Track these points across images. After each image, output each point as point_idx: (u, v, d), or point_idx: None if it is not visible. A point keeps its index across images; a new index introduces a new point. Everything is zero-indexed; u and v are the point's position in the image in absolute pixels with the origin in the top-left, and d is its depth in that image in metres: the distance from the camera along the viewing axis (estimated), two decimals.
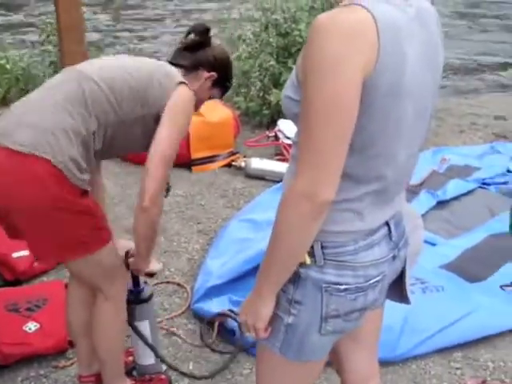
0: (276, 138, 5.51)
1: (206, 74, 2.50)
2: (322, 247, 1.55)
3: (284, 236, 1.45)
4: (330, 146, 1.37)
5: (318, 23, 1.37)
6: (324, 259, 1.56)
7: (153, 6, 13.83)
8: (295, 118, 1.48)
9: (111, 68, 2.37)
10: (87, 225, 2.26)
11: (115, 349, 2.59)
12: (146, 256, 2.48)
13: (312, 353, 1.67)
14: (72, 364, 2.99)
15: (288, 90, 1.52)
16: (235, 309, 3.25)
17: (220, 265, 3.53)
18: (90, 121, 2.22)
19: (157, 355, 2.76)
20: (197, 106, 2.51)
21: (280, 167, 5.12)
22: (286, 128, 5.41)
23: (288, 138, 5.30)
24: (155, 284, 3.56)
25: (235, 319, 3.11)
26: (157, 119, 2.31)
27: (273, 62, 6.07)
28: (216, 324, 3.17)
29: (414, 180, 4.86)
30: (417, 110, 1.53)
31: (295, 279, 1.57)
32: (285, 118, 5.81)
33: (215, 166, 5.28)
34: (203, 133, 5.12)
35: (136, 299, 2.67)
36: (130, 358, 2.90)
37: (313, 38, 1.37)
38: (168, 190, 2.60)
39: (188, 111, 2.37)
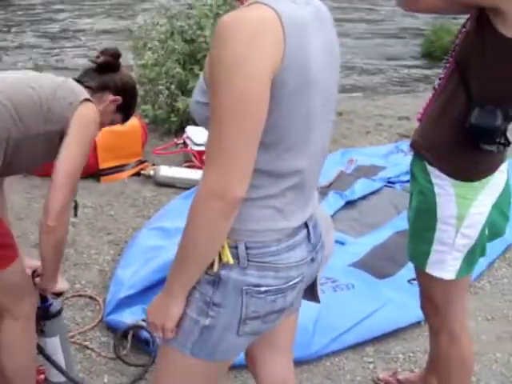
0: (185, 144, 5.50)
1: (111, 97, 2.48)
2: (247, 248, 1.55)
3: (195, 235, 1.45)
4: (239, 144, 1.38)
5: (222, 24, 1.38)
6: (248, 260, 1.55)
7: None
8: (206, 122, 1.48)
9: (13, 81, 2.30)
10: None
11: (25, 368, 2.51)
12: (53, 276, 2.43)
13: (226, 353, 1.66)
14: None
15: (197, 95, 1.53)
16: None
17: (131, 274, 3.48)
18: None
19: (67, 377, 2.70)
20: (101, 125, 2.47)
21: (189, 174, 5.12)
22: (195, 135, 5.41)
23: (197, 144, 5.30)
24: (66, 298, 3.47)
25: (148, 330, 3.08)
26: (61, 135, 2.26)
27: (179, 69, 6.06)
28: (130, 335, 3.12)
29: (323, 181, 4.96)
30: (324, 103, 1.55)
31: (215, 281, 1.56)
32: (194, 124, 5.85)
33: (124, 175, 5.22)
34: (110, 142, 5.04)
35: (44, 315, 2.59)
36: (42, 376, 2.82)
37: (217, 39, 1.38)
38: (76, 207, 2.55)
39: (93, 127, 2.33)
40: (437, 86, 2.18)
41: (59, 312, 2.64)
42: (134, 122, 5.36)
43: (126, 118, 2.64)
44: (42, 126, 2.25)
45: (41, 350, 2.60)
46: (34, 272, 2.50)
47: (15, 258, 2.29)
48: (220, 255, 1.54)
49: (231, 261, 1.54)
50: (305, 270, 1.67)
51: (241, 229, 1.54)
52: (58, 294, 2.62)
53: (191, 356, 1.64)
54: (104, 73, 2.50)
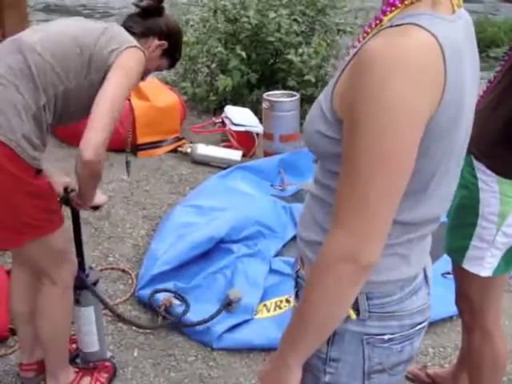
0: (223, 124, 5.49)
1: (156, 42, 2.45)
2: (367, 299, 1.34)
3: (319, 304, 1.25)
4: (382, 201, 1.16)
5: (373, 55, 1.12)
6: (368, 312, 1.35)
7: None
8: (331, 159, 1.28)
9: (55, 35, 2.26)
10: (42, 208, 2.22)
11: (60, 335, 2.55)
12: (91, 197, 2.41)
13: None
14: (13, 352, 2.93)
15: (317, 124, 1.28)
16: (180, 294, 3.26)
17: (165, 250, 3.51)
18: (39, 95, 2.15)
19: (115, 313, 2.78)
20: (144, 75, 2.43)
21: (226, 154, 5.12)
22: (234, 115, 5.40)
23: (235, 124, 5.29)
24: (99, 270, 3.51)
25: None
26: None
27: (221, 48, 6.04)
28: (161, 310, 3.14)
29: None
30: (465, 139, 1.33)
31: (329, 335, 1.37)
32: (233, 104, 5.85)
33: (161, 151, 5.23)
34: (150, 118, 5.06)
35: (81, 284, 2.62)
36: (74, 346, 2.86)
37: (368, 74, 1.12)
38: (128, 165, 2.51)
39: (138, 68, 2.27)
40: (492, 79, 2.14)
41: (96, 282, 2.66)
42: (173, 98, 5.38)
43: (172, 64, 2.59)
44: (86, 76, 2.23)
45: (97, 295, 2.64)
46: (66, 188, 2.49)
47: (61, 224, 2.33)
48: None
49: (354, 316, 1.34)
50: (429, 313, 1.47)
51: None
52: (96, 208, 2.60)
53: None
54: (148, 17, 2.44)
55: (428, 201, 1.29)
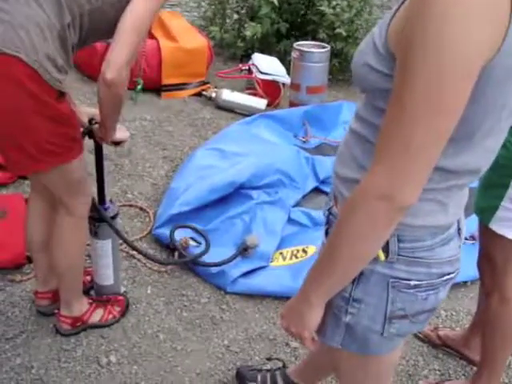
0: (249, 71, 5.41)
1: None
2: (399, 241, 1.32)
3: (349, 243, 1.22)
4: (427, 142, 1.11)
5: None
6: (398, 255, 1.33)
7: None
8: (377, 94, 1.24)
9: None
10: (62, 134, 2.16)
11: (75, 265, 2.55)
12: (112, 126, 2.37)
13: (377, 350, 1.48)
14: (28, 279, 2.94)
15: (367, 56, 1.23)
16: (196, 237, 3.25)
17: (184, 190, 3.48)
18: (64, 13, 2.05)
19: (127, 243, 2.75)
20: None
21: (251, 101, 5.07)
22: (261, 63, 5.32)
23: (262, 72, 5.22)
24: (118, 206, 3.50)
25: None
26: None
27: None
28: (179, 248, 3.14)
29: None
30: None
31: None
32: (260, 52, 5.76)
33: (185, 93, 5.18)
34: (176, 59, 5.00)
35: (100, 217, 2.61)
36: (88, 278, 2.87)
37: (428, 4, 1.05)
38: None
39: None
40: None
41: (115, 216, 2.65)
42: (202, 41, 5.30)
43: None
44: None
45: (116, 230, 2.62)
46: (90, 120, 2.46)
47: (80, 154, 2.28)
48: None
49: (383, 257, 1.31)
50: (458, 266, 1.44)
51: None
52: (117, 143, 2.57)
53: (343, 349, 1.49)
54: None
55: (472, 150, 1.25)
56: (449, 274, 1.39)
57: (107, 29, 2.22)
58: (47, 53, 2.01)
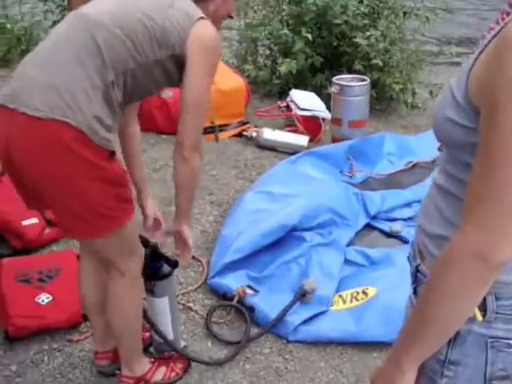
0: (288, 108, 5.36)
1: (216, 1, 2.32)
2: (496, 299, 1.24)
3: (442, 304, 1.18)
4: None
5: None
6: (495, 313, 1.25)
7: None
8: (462, 148, 1.20)
9: (122, 9, 2.14)
10: (115, 196, 2.13)
11: (132, 326, 2.48)
12: (187, 209, 2.40)
13: None
14: (86, 338, 2.89)
15: (447, 110, 1.20)
16: (253, 285, 3.17)
17: (236, 236, 3.41)
18: (107, 71, 2.03)
19: (175, 349, 2.69)
20: (217, 26, 2.29)
21: (292, 139, 5.03)
22: (299, 99, 5.28)
23: (301, 108, 5.17)
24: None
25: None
26: (178, 59, 2.15)
27: (285, 31, 5.88)
28: (235, 300, 3.06)
29: (428, 157, 4.78)
30: None
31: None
32: (296, 87, 5.72)
33: (225, 135, 5.14)
34: (215, 101, 4.94)
35: (156, 275, 2.55)
36: (147, 334, 2.80)
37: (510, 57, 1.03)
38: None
39: (215, 47, 2.21)
40: None
41: (170, 273, 2.59)
42: (239, 81, 5.29)
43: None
44: (157, 53, 2.12)
45: (144, 315, 2.57)
46: (146, 240, 2.50)
47: (133, 212, 2.24)
48: None
49: (480, 318, 1.24)
50: None
51: None
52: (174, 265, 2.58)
53: None
54: None
55: None
56: None
57: (152, 86, 2.22)
58: (94, 113, 1.99)
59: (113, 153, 2.09)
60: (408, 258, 1.53)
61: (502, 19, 1.15)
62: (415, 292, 1.43)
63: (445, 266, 1.16)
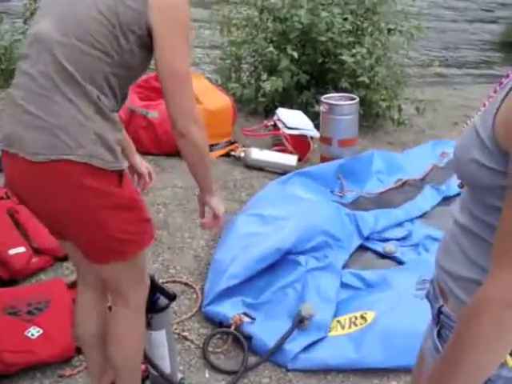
0: (275, 127, 5.30)
1: None
2: None
3: (472, 352, 1.14)
4: None
5: None
6: None
7: None
8: (487, 190, 1.18)
9: (71, 14, 1.94)
10: (134, 220, 2.08)
11: (133, 361, 2.38)
12: (207, 182, 2.28)
13: None
14: (79, 372, 2.78)
15: (474, 153, 1.17)
16: (249, 312, 3.09)
17: (230, 262, 3.33)
18: (88, 91, 1.91)
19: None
20: None
21: (281, 158, 4.97)
22: (286, 117, 5.22)
23: (289, 127, 5.11)
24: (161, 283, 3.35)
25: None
26: (146, 35, 1.95)
27: (271, 48, 5.83)
28: (232, 329, 2.98)
29: (416, 175, 4.76)
30: None
31: None
32: (282, 106, 5.67)
33: (213, 155, 5.06)
34: (202, 121, 4.90)
35: (153, 308, 2.45)
36: (143, 367, 2.69)
37: None
38: None
39: (179, 5, 1.97)
40: None
41: (168, 306, 2.50)
42: (225, 100, 5.23)
43: None
44: (123, 44, 1.93)
45: (150, 362, 2.52)
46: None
47: (154, 234, 2.21)
48: None
49: (511, 363, 1.21)
50: None
51: None
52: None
53: None
54: None
55: None
56: None
57: (138, 72, 2.10)
58: (92, 137, 1.91)
59: (122, 174, 2.01)
60: (427, 296, 1.48)
61: None
62: (439, 335, 1.37)
63: (475, 315, 1.12)
